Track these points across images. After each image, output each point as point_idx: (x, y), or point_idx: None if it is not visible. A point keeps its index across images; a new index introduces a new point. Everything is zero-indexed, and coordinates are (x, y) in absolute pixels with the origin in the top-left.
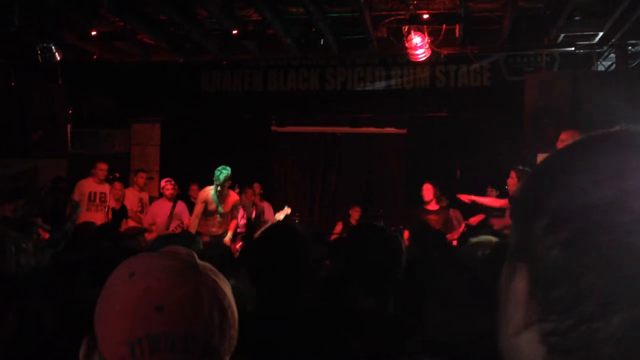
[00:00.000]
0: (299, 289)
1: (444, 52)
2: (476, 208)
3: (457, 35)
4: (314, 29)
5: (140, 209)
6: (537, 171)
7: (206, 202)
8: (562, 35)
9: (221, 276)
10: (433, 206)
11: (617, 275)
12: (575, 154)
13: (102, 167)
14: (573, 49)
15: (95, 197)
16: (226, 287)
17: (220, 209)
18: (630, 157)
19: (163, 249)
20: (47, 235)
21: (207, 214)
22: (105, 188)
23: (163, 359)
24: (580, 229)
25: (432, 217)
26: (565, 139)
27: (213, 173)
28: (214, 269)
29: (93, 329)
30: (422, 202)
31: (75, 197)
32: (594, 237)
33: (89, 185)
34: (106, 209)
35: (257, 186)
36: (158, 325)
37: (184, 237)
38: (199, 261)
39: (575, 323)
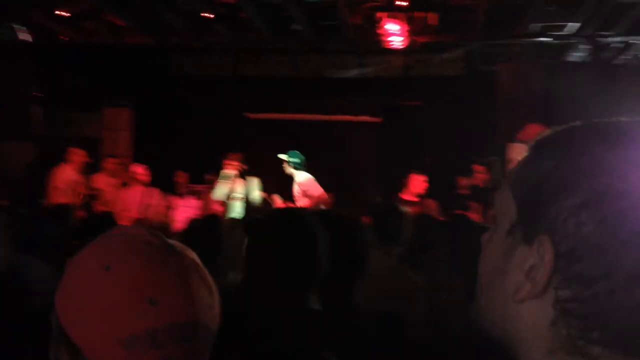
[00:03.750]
0: (308, 284)
1: (420, 40)
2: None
3: (433, 23)
4: (286, 14)
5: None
6: (559, 147)
7: None
8: (539, 25)
9: (192, 252)
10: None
11: None
12: (608, 134)
13: (83, 154)
14: (546, 39)
15: (75, 186)
16: (199, 261)
17: None
18: None
19: (116, 230)
20: None
21: None
22: (81, 177)
23: (166, 353)
24: (617, 209)
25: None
26: (532, 132)
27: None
28: (182, 245)
29: (68, 336)
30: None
31: (57, 184)
32: (630, 217)
33: (70, 174)
34: (80, 196)
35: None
36: (155, 320)
37: None
38: (168, 240)
39: (599, 292)
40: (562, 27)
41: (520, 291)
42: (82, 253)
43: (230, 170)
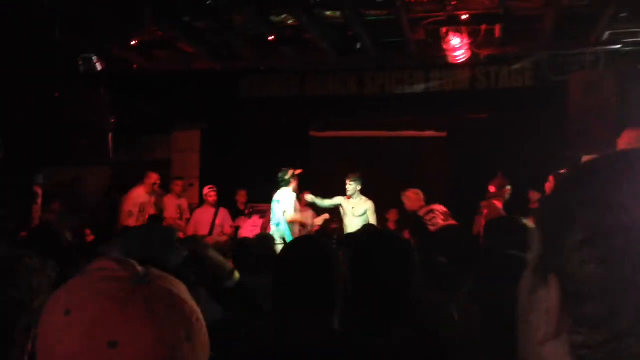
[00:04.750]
0: (326, 312)
1: (484, 52)
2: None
3: (497, 35)
4: (350, 33)
5: (178, 216)
6: (571, 181)
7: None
8: (608, 32)
9: (175, 281)
10: None
11: None
12: (615, 166)
13: (156, 179)
14: (619, 46)
15: (144, 207)
16: (183, 290)
17: None
18: None
19: (91, 265)
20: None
21: None
22: (152, 199)
23: None
24: (618, 246)
25: None
26: (627, 138)
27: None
28: (164, 274)
29: None
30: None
31: (130, 208)
32: (632, 255)
33: (142, 197)
34: (146, 217)
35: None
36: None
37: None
38: (144, 270)
39: (607, 338)
40: (635, 34)
41: (539, 332)
42: (53, 297)
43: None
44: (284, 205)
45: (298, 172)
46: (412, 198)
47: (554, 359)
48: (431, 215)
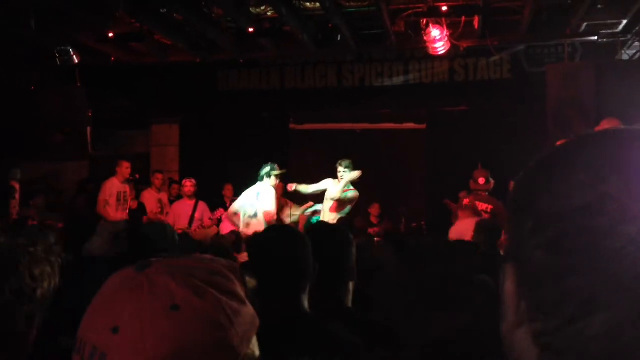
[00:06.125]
0: (299, 290)
1: (463, 44)
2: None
3: (476, 27)
4: (330, 25)
5: (159, 210)
6: (526, 173)
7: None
8: (585, 24)
9: (182, 280)
10: None
11: (596, 277)
12: (560, 156)
13: (127, 166)
14: (596, 38)
15: (121, 196)
16: (184, 290)
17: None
18: (610, 161)
19: None
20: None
21: None
22: (127, 187)
23: None
24: (561, 231)
25: None
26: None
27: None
28: (175, 271)
29: None
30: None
31: (105, 198)
32: (574, 240)
33: (116, 186)
34: (127, 209)
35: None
36: (81, 328)
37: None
38: (150, 268)
39: (560, 323)
40: (612, 26)
41: (505, 321)
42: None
43: None
44: (264, 201)
45: (281, 171)
46: None
47: (522, 348)
48: None
